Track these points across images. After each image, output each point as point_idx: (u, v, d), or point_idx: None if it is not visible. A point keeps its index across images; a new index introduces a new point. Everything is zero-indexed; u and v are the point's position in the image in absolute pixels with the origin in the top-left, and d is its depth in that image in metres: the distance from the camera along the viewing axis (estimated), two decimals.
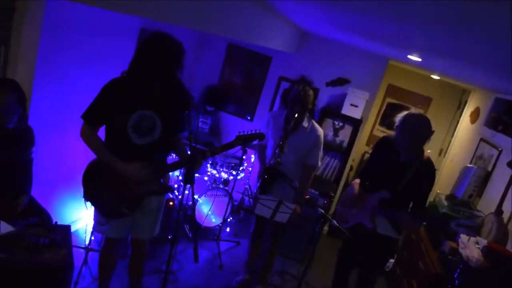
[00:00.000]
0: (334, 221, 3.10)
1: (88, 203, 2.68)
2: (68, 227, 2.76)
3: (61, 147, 3.56)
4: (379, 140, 3.26)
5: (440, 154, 6.72)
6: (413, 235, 4.44)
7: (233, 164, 4.70)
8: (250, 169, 5.20)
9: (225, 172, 4.70)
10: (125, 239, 3.03)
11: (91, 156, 2.67)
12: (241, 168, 4.70)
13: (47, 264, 2.36)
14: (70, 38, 3.27)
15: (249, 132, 2.75)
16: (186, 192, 4.08)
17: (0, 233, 2.43)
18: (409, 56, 3.88)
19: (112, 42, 3.75)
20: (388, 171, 3.00)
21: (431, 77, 6.11)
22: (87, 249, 3.55)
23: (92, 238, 3.63)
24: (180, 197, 2.63)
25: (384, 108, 7.15)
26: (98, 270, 3.02)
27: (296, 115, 3.36)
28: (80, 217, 4.07)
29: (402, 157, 2.98)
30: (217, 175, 4.69)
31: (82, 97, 3.55)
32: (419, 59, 3.90)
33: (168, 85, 2.49)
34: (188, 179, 2.38)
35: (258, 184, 3.52)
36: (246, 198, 5.26)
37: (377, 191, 2.98)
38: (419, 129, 2.83)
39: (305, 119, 3.50)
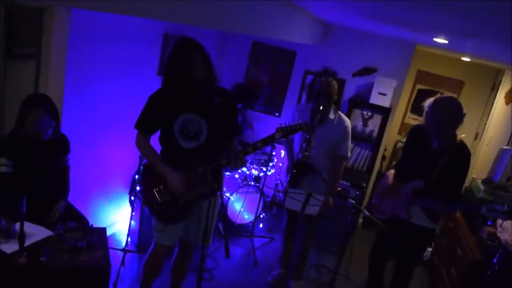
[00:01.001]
0: (365, 211, 3.07)
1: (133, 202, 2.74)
2: (103, 230, 2.85)
3: (95, 153, 3.68)
4: (411, 129, 3.18)
5: (476, 138, 6.52)
6: (450, 222, 4.34)
7: (262, 161, 4.73)
8: (281, 164, 5.21)
9: (256, 169, 4.73)
10: None
11: (125, 161, 2.75)
12: (271, 164, 4.72)
13: (85, 265, 2.45)
14: (95, 48, 3.37)
15: (291, 124, 2.58)
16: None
17: (41, 237, 2.54)
18: (435, 39, 3.78)
19: (137, 49, 3.84)
20: (421, 159, 2.93)
21: (462, 60, 5.94)
22: (125, 250, 3.65)
23: (129, 239, 3.73)
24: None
25: (414, 95, 6.99)
26: (143, 274, 3.02)
27: (321, 108, 3.34)
28: (117, 220, 4.20)
29: (434, 144, 2.90)
30: (247, 172, 4.72)
31: (110, 103, 3.68)
32: (446, 41, 3.79)
33: (196, 87, 2.51)
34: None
35: (288, 179, 3.52)
36: (280, 194, 5.27)
37: (410, 180, 2.92)
38: (449, 113, 2.73)
39: (331, 111, 3.48)
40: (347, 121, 3.53)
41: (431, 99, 2.82)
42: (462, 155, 2.86)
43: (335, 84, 3.41)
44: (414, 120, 6.91)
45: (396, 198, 3.01)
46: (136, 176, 3.85)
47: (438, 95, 2.90)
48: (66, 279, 2.42)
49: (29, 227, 2.59)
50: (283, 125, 2.56)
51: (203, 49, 2.48)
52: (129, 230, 3.72)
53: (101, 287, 2.55)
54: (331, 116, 3.47)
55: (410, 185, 2.93)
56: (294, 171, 3.40)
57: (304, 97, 5.37)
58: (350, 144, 3.56)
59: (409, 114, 7.08)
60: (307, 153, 3.35)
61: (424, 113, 2.85)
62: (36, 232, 2.57)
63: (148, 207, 2.77)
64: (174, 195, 2.62)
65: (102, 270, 2.51)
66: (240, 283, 3.83)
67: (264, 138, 2.58)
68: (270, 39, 5.37)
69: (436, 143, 2.89)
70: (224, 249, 2.58)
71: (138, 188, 3.75)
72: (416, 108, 6.99)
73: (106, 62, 3.52)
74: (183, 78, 2.45)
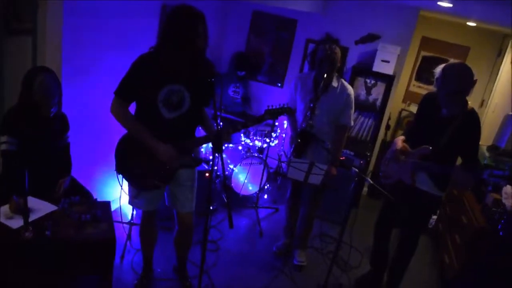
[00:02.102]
0: (369, 179, 3.06)
1: (120, 177, 2.76)
2: (108, 203, 2.86)
3: (95, 128, 3.66)
4: (423, 96, 3.13)
5: (481, 105, 6.44)
6: (455, 190, 4.33)
7: (265, 132, 4.70)
8: (284, 135, 5.18)
9: (259, 140, 4.71)
10: (170, 213, 3.10)
11: (123, 134, 2.74)
12: (274, 135, 4.69)
13: (90, 238, 2.46)
14: (92, 23, 3.30)
15: (277, 106, 2.74)
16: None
17: (46, 212, 2.55)
18: (439, 3, 3.68)
19: (135, 22, 3.76)
20: (431, 126, 2.90)
21: (467, 25, 5.80)
22: (130, 223, 3.68)
23: (134, 213, 3.75)
24: (215, 168, 2.68)
25: (419, 62, 6.88)
26: (141, 242, 3.14)
27: (325, 76, 3.29)
28: (122, 194, 4.20)
29: (444, 111, 2.86)
30: (251, 144, 4.70)
31: (109, 79, 3.63)
32: (450, 5, 3.69)
33: (194, 58, 2.49)
34: (216, 149, 2.40)
35: (292, 148, 3.50)
36: (283, 165, 5.27)
37: (420, 146, 2.89)
38: (461, 79, 2.68)
39: (334, 79, 3.43)
40: (350, 89, 3.48)
41: (441, 66, 2.77)
42: (474, 122, 2.81)
43: (338, 51, 3.34)
44: (418, 88, 6.81)
45: (403, 163, 2.99)
46: None
47: (451, 61, 2.82)
48: (71, 252, 2.44)
49: (34, 202, 2.61)
50: (270, 107, 2.73)
51: (205, 20, 2.43)
52: (128, 202, 3.72)
53: (107, 260, 2.58)
54: (334, 84, 3.42)
55: (417, 151, 2.90)
56: (299, 140, 3.38)
57: (306, 66, 5.29)
58: (353, 113, 3.52)
59: (413, 82, 6.97)
60: (311, 122, 3.32)
61: (435, 79, 2.80)
62: (41, 207, 2.59)
63: (122, 175, 2.78)
64: (154, 163, 2.63)
65: (107, 243, 2.52)
66: (246, 253, 3.87)
67: (254, 118, 2.76)
68: (270, 7, 5.26)
69: (446, 110, 2.85)
70: (229, 219, 2.58)
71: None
72: (420, 75, 6.88)
73: (103, 36, 3.46)
74: (184, 48, 2.40)
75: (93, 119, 3.59)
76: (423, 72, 6.81)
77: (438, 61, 6.49)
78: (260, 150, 4.82)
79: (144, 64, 2.51)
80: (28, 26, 3.86)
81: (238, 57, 5.30)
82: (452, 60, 2.83)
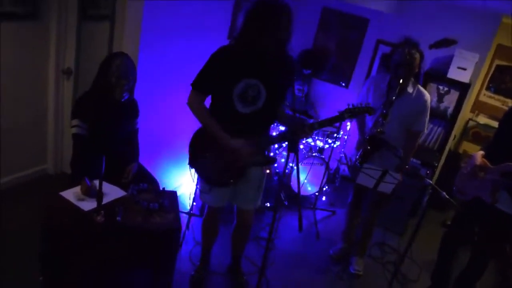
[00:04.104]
0: (444, 193, 2.89)
1: (193, 170, 2.75)
2: (175, 193, 2.86)
3: (161, 115, 3.68)
4: (508, 110, 2.94)
5: None
6: None
7: (328, 132, 4.59)
8: (346, 137, 5.05)
9: (321, 140, 4.60)
10: (230, 207, 3.08)
11: (191, 124, 2.72)
12: (336, 136, 4.58)
13: (158, 227, 2.46)
14: (168, 10, 3.31)
15: (358, 105, 2.61)
16: (283, 160, 4.08)
17: (116, 197, 2.58)
18: None
19: (208, 12, 3.75)
20: None
21: None
22: (190, 214, 3.70)
23: (194, 203, 3.76)
24: (283, 166, 2.59)
25: (492, 71, 6.50)
26: (202, 236, 3.13)
27: (401, 81, 3.14)
28: (182, 183, 4.24)
29: None
30: (312, 143, 4.61)
31: (178, 66, 3.65)
32: None
33: (276, 54, 2.42)
34: (292, 148, 2.33)
35: (359, 154, 3.38)
36: (342, 167, 5.14)
37: (501, 163, 2.70)
38: None
39: (410, 84, 3.27)
40: (427, 95, 3.31)
41: None
42: None
43: (418, 56, 3.19)
44: (489, 98, 6.43)
45: (483, 180, 2.81)
46: None
47: None
48: (138, 239, 2.45)
49: (104, 186, 2.63)
50: (350, 106, 2.58)
51: (291, 13, 2.35)
52: (194, 194, 3.75)
53: (171, 250, 2.58)
54: (410, 89, 3.26)
55: (500, 167, 2.71)
56: (368, 147, 3.25)
57: (375, 67, 5.12)
58: (427, 120, 3.35)
59: (484, 91, 6.61)
60: (381, 129, 3.17)
61: None
62: (111, 192, 2.61)
63: (195, 169, 2.74)
64: (226, 159, 2.58)
65: (173, 233, 2.52)
66: (302, 255, 3.79)
67: (332, 117, 2.59)
68: (341, 4, 5.11)
69: None
70: (289, 220, 2.52)
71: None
72: (492, 85, 6.51)
73: (178, 25, 3.47)
74: (264, 41, 2.34)
75: (159, 106, 3.61)
76: (495, 82, 6.43)
77: None
78: (321, 150, 4.71)
79: (222, 56, 2.47)
80: (105, 12, 3.95)
81: (305, 55, 5.19)
82: None
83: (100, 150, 2.68)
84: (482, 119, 6.18)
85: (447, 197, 2.86)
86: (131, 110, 2.99)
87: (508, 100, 6.41)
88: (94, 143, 2.80)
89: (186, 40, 3.62)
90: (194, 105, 2.57)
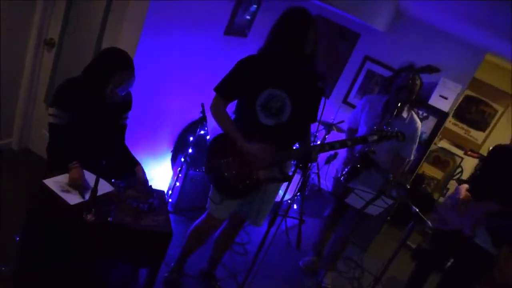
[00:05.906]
0: (429, 222, 2.95)
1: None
2: (163, 192, 2.73)
3: (143, 107, 3.48)
4: (496, 147, 3.03)
5: None
6: None
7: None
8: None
9: None
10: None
11: (171, 118, 2.55)
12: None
13: (148, 230, 2.34)
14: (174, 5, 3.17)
15: (388, 130, 2.61)
16: None
17: (102, 192, 2.39)
18: None
19: (207, 4, 3.60)
20: (503, 181, 2.80)
21: None
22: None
23: (170, 200, 3.62)
24: None
25: (460, 100, 6.75)
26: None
27: (400, 104, 3.17)
28: (154, 177, 4.05)
29: None
30: None
31: (181, 60, 3.49)
32: None
33: (301, 65, 2.35)
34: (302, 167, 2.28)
35: (346, 170, 3.38)
36: (314, 177, 5.15)
37: (486, 200, 2.79)
38: None
39: (405, 109, 3.31)
40: (419, 124, 3.36)
41: None
42: None
43: (419, 83, 3.24)
44: (454, 125, 6.70)
45: (465, 214, 2.89)
46: (186, 137, 3.73)
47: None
48: (128, 241, 2.34)
49: (92, 178, 2.43)
50: (379, 129, 2.56)
51: (317, 26, 2.29)
52: (172, 190, 3.61)
53: (160, 253, 2.46)
54: (404, 114, 3.30)
55: (484, 205, 2.80)
56: (358, 166, 3.26)
57: (358, 82, 5.16)
58: (415, 148, 3.40)
59: (450, 118, 6.87)
60: (373, 149, 3.19)
61: None
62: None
63: (210, 177, 2.62)
64: (243, 167, 2.47)
65: (164, 237, 2.40)
66: (273, 263, 3.74)
67: (355, 138, 2.60)
68: (335, 15, 5.10)
69: None
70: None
71: (190, 150, 3.62)
72: (459, 114, 6.77)
73: (182, 18, 3.31)
74: (290, 52, 2.27)
75: (141, 97, 3.42)
76: (462, 111, 6.68)
77: (480, 102, 6.39)
78: None
79: (248, 64, 2.39)
80: None
81: None
82: (486, 105, 2.74)
83: (80, 138, 2.50)
84: (445, 144, 6.41)
85: (431, 226, 2.93)
86: (122, 103, 2.69)
87: (470, 130, 6.71)
88: (73, 132, 2.52)
89: (188, 34, 3.47)
90: (215, 109, 2.48)
